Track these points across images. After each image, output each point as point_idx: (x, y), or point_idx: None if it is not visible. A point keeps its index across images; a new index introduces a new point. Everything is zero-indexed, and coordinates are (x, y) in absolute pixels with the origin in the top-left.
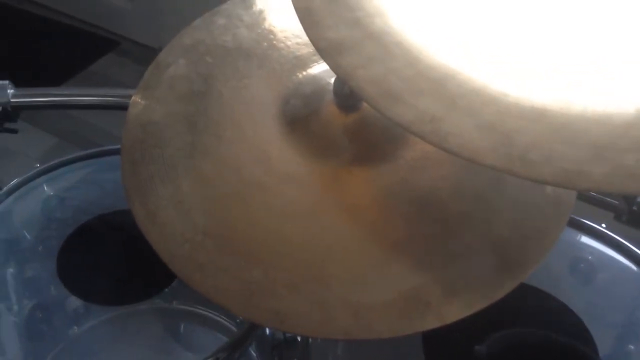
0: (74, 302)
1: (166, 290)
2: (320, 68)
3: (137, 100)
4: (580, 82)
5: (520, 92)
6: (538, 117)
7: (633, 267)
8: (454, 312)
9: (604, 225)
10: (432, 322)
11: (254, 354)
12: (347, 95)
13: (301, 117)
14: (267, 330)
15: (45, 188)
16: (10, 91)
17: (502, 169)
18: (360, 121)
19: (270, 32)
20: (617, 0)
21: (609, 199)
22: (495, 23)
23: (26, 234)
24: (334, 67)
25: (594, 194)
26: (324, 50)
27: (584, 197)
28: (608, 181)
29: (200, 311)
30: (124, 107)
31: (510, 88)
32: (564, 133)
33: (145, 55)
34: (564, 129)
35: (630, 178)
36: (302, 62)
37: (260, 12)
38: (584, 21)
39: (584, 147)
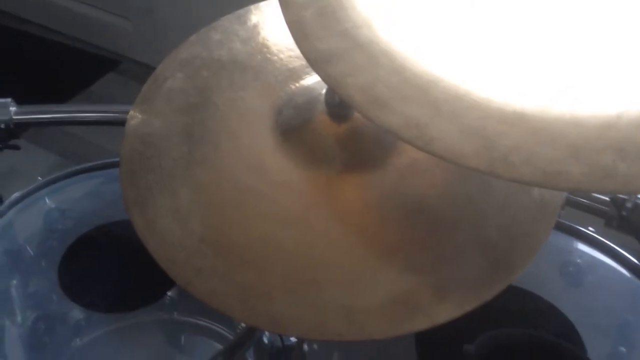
0: (77, 313)
1: (167, 301)
2: (312, 79)
3: (135, 113)
4: (560, 87)
5: (501, 98)
6: (518, 121)
7: (622, 270)
8: (444, 313)
9: (590, 228)
10: (423, 324)
11: None
12: (337, 105)
13: (295, 126)
14: (266, 339)
15: (47, 200)
16: (13, 109)
17: (484, 171)
18: (351, 130)
19: (265, 45)
20: (599, 8)
21: (599, 206)
22: (478, 31)
23: (28, 245)
24: (324, 76)
25: (584, 200)
26: (314, 60)
27: (574, 203)
28: (586, 181)
29: (201, 322)
30: (124, 123)
31: (492, 94)
32: (543, 135)
33: (145, 74)
34: (542, 131)
35: (608, 177)
36: (295, 74)
37: (255, 27)
38: (565, 28)
39: (562, 149)
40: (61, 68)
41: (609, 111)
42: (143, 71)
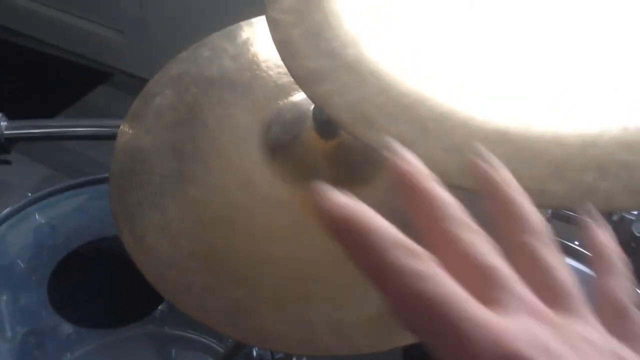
0: (67, 327)
1: (157, 315)
2: (300, 96)
3: (125, 129)
4: (542, 106)
5: (485, 116)
6: (501, 140)
7: None
8: None
9: (577, 242)
10: (410, 338)
11: None
12: (325, 122)
13: (283, 143)
14: (255, 352)
15: (37, 216)
16: (4, 123)
17: (469, 189)
18: (339, 146)
19: (254, 62)
20: (579, 29)
21: None
22: (462, 51)
23: (19, 261)
24: (311, 95)
25: (569, 213)
26: (301, 79)
27: (560, 216)
28: (568, 198)
29: (192, 335)
30: (116, 137)
31: (476, 112)
32: (525, 154)
33: (137, 86)
34: (525, 150)
35: (589, 195)
36: (284, 91)
37: (244, 43)
38: (546, 49)
39: (544, 167)
40: (53, 80)
41: (589, 130)
42: (135, 83)
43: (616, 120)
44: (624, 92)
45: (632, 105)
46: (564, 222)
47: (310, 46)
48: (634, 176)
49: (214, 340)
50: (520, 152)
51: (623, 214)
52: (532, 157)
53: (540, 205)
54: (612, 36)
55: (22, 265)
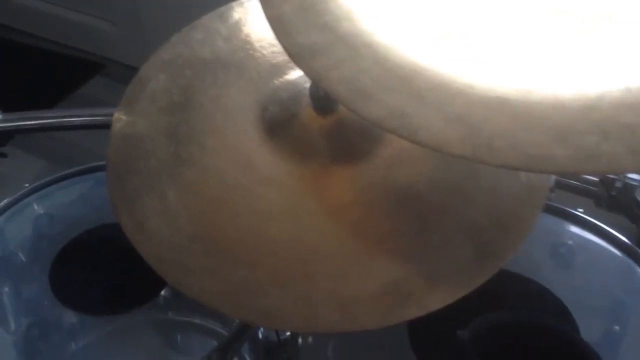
0: (71, 317)
1: (161, 301)
2: (296, 74)
3: (119, 115)
4: (541, 70)
5: (484, 84)
6: (501, 107)
7: (614, 249)
8: (436, 301)
9: (580, 210)
10: (415, 312)
11: (248, 358)
12: (322, 98)
13: (280, 122)
14: (260, 334)
15: (35, 206)
16: None
17: (470, 158)
18: (336, 123)
19: (247, 42)
20: None
21: (588, 187)
22: (458, 18)
23: (19, 252)
24: (306, 70)
25: (573, 182)
26: (296, 55)
27: (564, 185)
28: (571, 163)
29: (196, 321)
30: (110, 126)
31: (474, 80)
32: (526, 120)
33: (130, 75)
34: (526, 115)
35: (592, 159)
36: (279, 69)
37: (237, 24)
38: (545, 11)
39: (545, 132)
40: (46, 73)
41: (590, 93)
42: (129, 73)
43: (617, 81)
44: (625, 52)
45: (634, 65)
46: (567, 190)
47: (303, 21)
48: (638, 137)
49: (219, 325)
50: (521, 118)
51: (626, 181)
52: (534, 123)
53: (543, 172)
54: None
55: (22, 257)
